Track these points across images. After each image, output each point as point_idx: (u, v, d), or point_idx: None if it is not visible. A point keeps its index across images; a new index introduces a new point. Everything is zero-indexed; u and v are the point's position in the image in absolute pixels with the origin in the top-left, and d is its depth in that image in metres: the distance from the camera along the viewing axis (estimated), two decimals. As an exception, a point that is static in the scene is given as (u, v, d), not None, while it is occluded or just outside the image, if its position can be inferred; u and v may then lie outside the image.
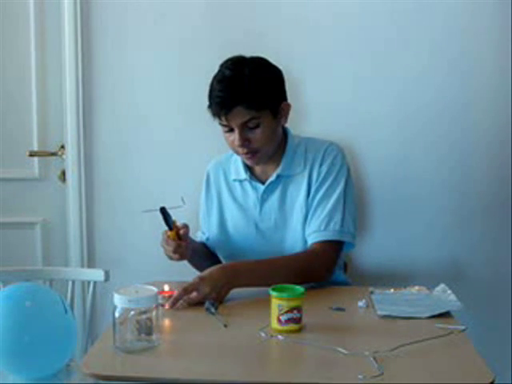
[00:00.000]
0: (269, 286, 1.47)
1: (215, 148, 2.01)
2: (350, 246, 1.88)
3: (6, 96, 2.38)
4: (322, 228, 1.80)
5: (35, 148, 2.40)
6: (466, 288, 1.91)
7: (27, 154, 2.37)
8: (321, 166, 1.85)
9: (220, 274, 1.63)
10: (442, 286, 1.71)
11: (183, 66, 2.27)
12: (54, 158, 2.41)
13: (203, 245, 1.99)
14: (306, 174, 1.86)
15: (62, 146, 2.39)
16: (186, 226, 1.76)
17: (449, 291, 1.67)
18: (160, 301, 1.58)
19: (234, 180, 1.93)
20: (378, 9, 2.17)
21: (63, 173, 2.40)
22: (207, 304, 1.56)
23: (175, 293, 1.60)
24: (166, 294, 1.62)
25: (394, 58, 2.20)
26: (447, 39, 2.18)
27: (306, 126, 2.15)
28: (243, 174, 1.90)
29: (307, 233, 1.83)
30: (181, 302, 1.59)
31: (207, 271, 1.65)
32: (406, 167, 2.24)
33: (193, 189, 2.04)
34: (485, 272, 2.27)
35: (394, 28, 2.18)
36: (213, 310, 1.54)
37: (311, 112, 2.21)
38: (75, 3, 2.25)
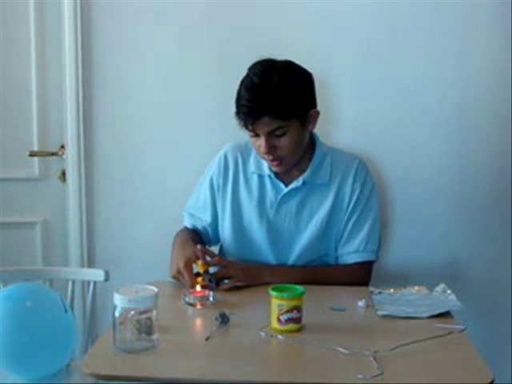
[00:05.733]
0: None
1: (216, 148, 2.01)
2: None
3: (6, 96, 2.38)
4: (361, 249, 1.86)
5: (35, 148, 2.40)
6: (465, 288, 1.92)
7: (27, 153, 2.37)
8: (354, 183, 1.86)
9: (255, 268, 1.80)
10: (442, 285, 1.71)
11: (183, 66, 2.27)
12: (54, 157, 2.40)
13: (195, 233, 1.94)
14: (333, 188, 1.85)
15: (62, 146, 2.38)
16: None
17: (449, 291, 1.67)
18: (192, 301, 1.61)
19: (253, 173, 1.90)
20: (379, 8, 2.17)
21: (63, 173, 2.40)
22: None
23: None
24: (198, 294, 1.63)
25: (393, 59, 2.18)
26: (446, 41, 2.18)
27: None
28: (266, 170, 1.87)
29: (344, 251, 1.87)
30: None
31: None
32: (406, 168, 2.24)
33: (193, 189, 2.04)
34: (485, 272, 2.26)
35: (394, 27, 2.17)
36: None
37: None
38: (75, 3, 2.24)
